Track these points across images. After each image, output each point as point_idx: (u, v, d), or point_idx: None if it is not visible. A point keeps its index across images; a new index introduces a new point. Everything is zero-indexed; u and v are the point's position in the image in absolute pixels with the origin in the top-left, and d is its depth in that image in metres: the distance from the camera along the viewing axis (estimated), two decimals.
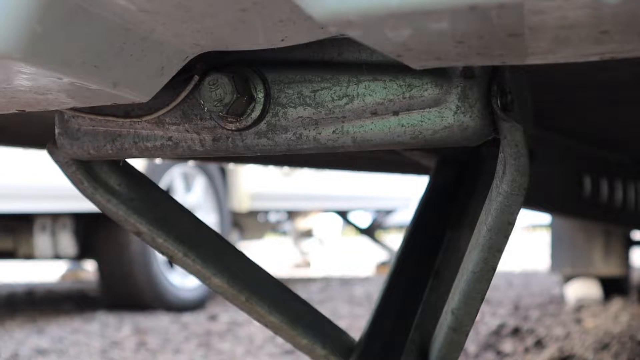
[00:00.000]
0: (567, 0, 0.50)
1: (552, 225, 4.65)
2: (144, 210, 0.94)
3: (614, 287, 4.79)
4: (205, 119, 0.79)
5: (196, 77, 0.76)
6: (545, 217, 6.31)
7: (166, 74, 0.70)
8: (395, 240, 8.89)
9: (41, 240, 5.00)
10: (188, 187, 4.95)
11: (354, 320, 4.51)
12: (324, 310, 4.55)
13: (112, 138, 0.83)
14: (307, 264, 9.28)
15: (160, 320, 4.74)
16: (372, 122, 0.75)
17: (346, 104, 0.75)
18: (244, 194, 5.66)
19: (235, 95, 0.74)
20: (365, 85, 0.75)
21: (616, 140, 2.35)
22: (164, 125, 0.81)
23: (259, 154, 0.78)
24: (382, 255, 8.37)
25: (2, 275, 7.53)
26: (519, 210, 0.79)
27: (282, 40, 0.69)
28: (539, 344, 3.73)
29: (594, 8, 0.51)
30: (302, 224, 9.72)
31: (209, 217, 4.95)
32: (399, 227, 9.87)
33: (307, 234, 10.15)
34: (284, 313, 1.11)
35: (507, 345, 3.76)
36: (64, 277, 7.58)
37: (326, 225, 10.92)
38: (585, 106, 1.77)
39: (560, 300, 5.08)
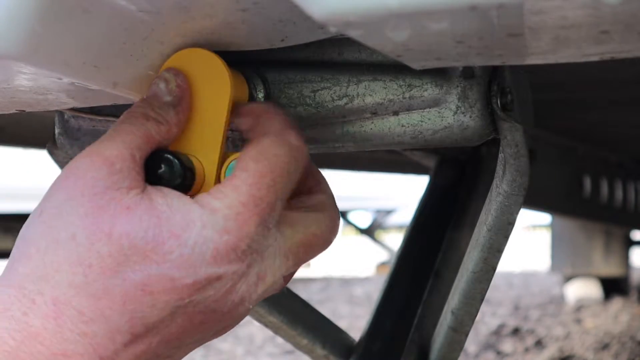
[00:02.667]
0: (567, 0, 0.50)
1: (552, 225, 4.65)
2: None
3: (614, 287, 4.79)
4: None
5: None
6: (545, 217, 6.31)
7: None
8: (395, 240, 8.89)
9: None
10: None
11: (354, 320, 4.52)
12: (324, 310, 4.55)
13: None
14: (307, 264, 9.27)
15: None
16: (372, 122, 0.75)
17: (346, 104, 0.75)
18: None
19: None
20: (365, 85, 0.75)
21: (616, 140, 2.35)
22: None
23: None
24: (382, 255, 8.36)
25: None
26: (519, 210, 0.79)
27: (282, 40, 0.69)
28: (539, 344, 3.73)
29: (594, 8, 0.51)
30: None
31: None
32: (399, 227, 9.87)
33: None
34: (284, 313, 1.11)
35: (507, 345, 3.76)
36: None
37: None
38: (585, 106, 1.77)
39: (560, 300, 5.08)
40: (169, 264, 0.59)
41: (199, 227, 0.60)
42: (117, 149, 0.62)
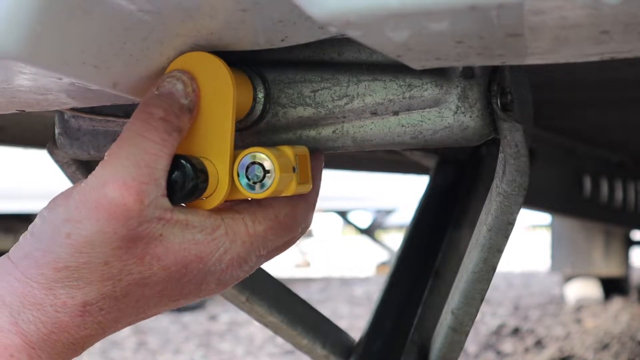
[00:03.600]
0: (567, 0, 0.50)
1: (552, 225, 4.65)
2: None
3: (614, 287, 4.79)
4: None
5: None
6: (545, 217, 6.31)
7: None
8: (395, 240, 8.88)
9: None
10: None
11: (354, 320, 4.52)
12: (324, 310, 4.55)
13: (112, 138, 0.83)
14: (307, 264, 9.27)
15: (160, 320, 4.74)
16: (372, 122, 0.75)
17: (346, 104, 0.75)
18: None
19: None
20: (365, 85, 0.75)
21: (616, 140, 2.35)
22: None
23: None
24: (382, 255, 8.36)
25: None
26: (519, 210, 0.79)
27: (282, 40, 0.69)
28: (539, 344, 3.73)
29: (594, 8, 0.51)
30: None
31: None
32: (399, 227, 9.87)
33: (307, 234, 10.14)
34: (284, 313, 1.11)
35: (507, 345, 3.76)
36: None
37: (326, 225, 10.91)
38: (585, 106, 1.77)
39: (560, 300, 5.08)
40: (186, 279, 0.68)
41: (221, 252, 0.69)
42: (144, 181, 0.65)
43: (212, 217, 0.68)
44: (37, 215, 0.68)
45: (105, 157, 0.66)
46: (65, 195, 0.67)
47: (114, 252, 0.65)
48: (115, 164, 0.65)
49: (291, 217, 0.73)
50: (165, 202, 0.66)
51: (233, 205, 0.71)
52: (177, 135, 0.67)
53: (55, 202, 0.67)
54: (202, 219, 0.68)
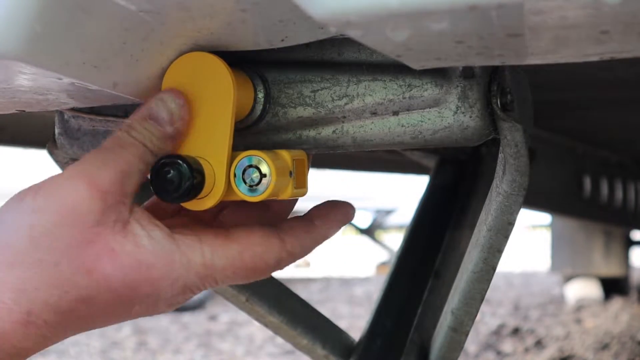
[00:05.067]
0: (567, 0, 0.50)
1: (552, 225, 4.65)
2: None
3: (614, 287, 4.79)
4: None
5: None
6: (545, 217, 6.31)
7: None
8: (395, 240, 8.88)
9: None
10: None
11: (354, 320, 4.52)
12: (324, 310, 4.55)
13: None
14: (307, 264, 9.27)
15: (160, 320, 4.74)
16: (372, 122, 0.75)
17: (346, 104, 0.75)
18: None
19: None
20: (365, 85, 0.75)
21: (616, 140, 2.35)
22: None
23: None
24: (382, 255, 8.36)
25: None
26: (519, 210, 0.79)
27: (282, 40, 0.69)
28: (539, 344, 3.73)
29: (594, 8, 0.51)
30: None
31: None
32: (399, 227, 9.87)
33: None
34: (284, 313, 1.11)
35: (507, 345, 3.76)
36: None
37: None
38: (585, 106, 1.77)
39: (560, 300, 5.08)
40: (134, 302, 0.67)
41: (173, 279, 0.67)
42: (112, 182, 0.65)
43: (167, 239, 0.67)
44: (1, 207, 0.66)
45: (84, 156, 0.67)
46: (32, 188, 0.65)
47: (67, 250, 0.63)
48: (91, 164, 0.66)
49: (259, 259, 0.70)
50: (126, 215, 0.66)
51: (196, 232, 0.70)
52: (151, 155, 0.68)
53: (22, 194, 0.65)
54: (154, 242, 0.66)
